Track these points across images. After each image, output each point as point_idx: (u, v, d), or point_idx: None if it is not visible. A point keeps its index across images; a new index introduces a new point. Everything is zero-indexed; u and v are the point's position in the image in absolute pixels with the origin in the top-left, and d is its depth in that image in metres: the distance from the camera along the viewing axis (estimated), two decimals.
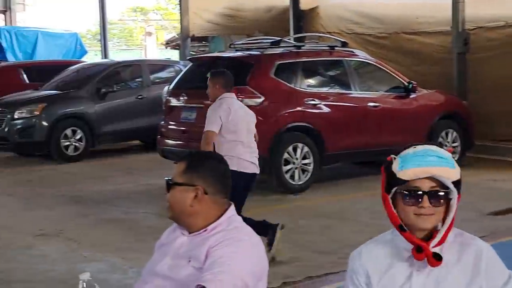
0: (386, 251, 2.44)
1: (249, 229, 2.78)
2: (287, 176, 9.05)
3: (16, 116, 12.27)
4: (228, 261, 2.57)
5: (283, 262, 6.06)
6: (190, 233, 2.77)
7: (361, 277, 2.44)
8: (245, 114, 6.44)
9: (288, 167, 9.05)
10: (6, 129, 12.22)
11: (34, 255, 6.56)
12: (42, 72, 15.15)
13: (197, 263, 2.66)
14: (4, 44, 20.58)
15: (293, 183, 9.12)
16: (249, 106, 7.08)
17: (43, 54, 20.95)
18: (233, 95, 6.48)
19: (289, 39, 10.54)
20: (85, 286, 2.50)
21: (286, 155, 9.02)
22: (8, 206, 8.79)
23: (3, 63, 17.32)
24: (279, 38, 9.91)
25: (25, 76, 15.35)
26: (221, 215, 2.76)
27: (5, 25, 25.27)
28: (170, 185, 2.77)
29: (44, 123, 12.19)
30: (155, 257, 2.87)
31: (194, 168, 2.76)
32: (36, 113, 12.21)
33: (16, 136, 12.22)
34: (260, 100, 8.86)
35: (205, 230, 2.73)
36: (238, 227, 2.75)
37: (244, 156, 6.26)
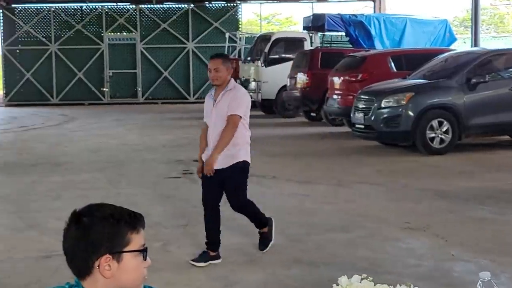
0: None
1: None
2: None
3: (383, 105, 12.27)
4: None
5: None
6: None
7: None
8: None
9: None
10: (372, 118, 12.31)
11: (401, 247, 6.35)
12: (409, 60, 15.07)
13: None
14: (373, 32, 20.97)
15: None
16: None
17: (411, 41, 20.91)
18: None
19: None
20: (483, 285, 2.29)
21: None
22: (372, 195, 8.76)
23: (373, 51, 17.61)
24: None
25: (393, 64, 15.40)
26: None
27: (374, 12, 25.91)
28: None
29: (410, 113, 11.99)
30: None
31: None
32: (403, 102, 12.08)
33: (382, 125, 12.20)
34: None
35: None
36: None
37: None
